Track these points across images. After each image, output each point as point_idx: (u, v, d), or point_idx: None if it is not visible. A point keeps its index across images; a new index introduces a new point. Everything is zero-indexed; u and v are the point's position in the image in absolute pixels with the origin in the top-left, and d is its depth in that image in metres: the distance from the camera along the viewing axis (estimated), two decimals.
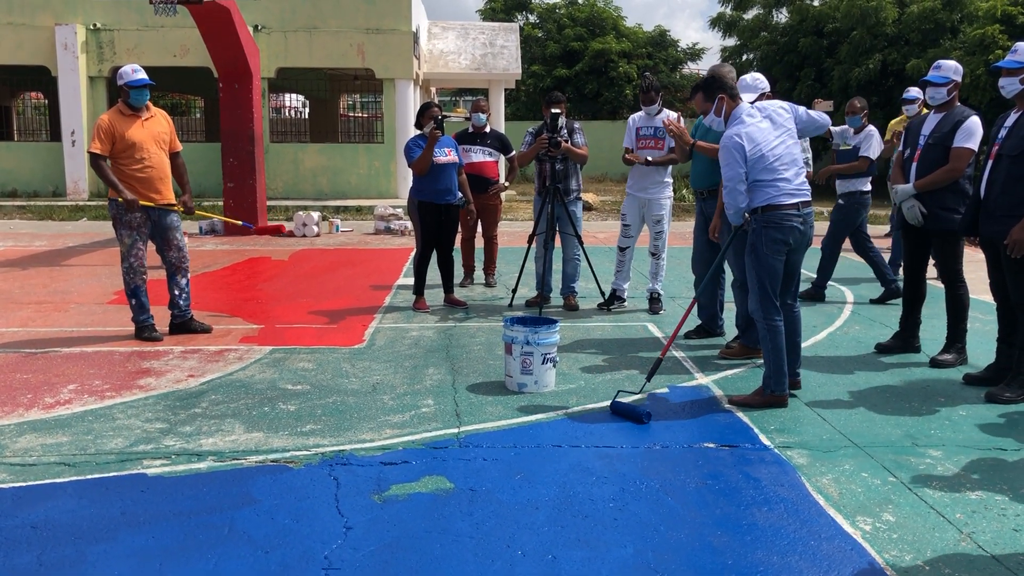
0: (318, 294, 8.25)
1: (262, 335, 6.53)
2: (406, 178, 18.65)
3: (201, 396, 4.97)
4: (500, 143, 8.48)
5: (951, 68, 5.59)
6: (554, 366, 5.14)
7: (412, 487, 3.68)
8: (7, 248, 11.59)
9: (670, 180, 7.34)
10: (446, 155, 7.33)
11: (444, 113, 7.92)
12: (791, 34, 24.57)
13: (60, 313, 7.31)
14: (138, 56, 18.31)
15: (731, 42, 27.49)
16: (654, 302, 7.43)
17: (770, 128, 4.80)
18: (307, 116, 30.03)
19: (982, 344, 5.91)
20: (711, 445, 4.24)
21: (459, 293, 8.10)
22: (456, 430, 4.40)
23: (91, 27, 18.17)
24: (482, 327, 6.82)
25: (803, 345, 5.97)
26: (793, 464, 3.99)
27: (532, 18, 36.36)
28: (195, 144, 21.40)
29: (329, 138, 25.38)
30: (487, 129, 8.45)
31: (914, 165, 5.73)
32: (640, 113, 7.35)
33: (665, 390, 5.17)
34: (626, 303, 7.66)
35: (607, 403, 4.84)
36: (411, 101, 18.97)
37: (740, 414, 4.70)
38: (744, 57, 26.86)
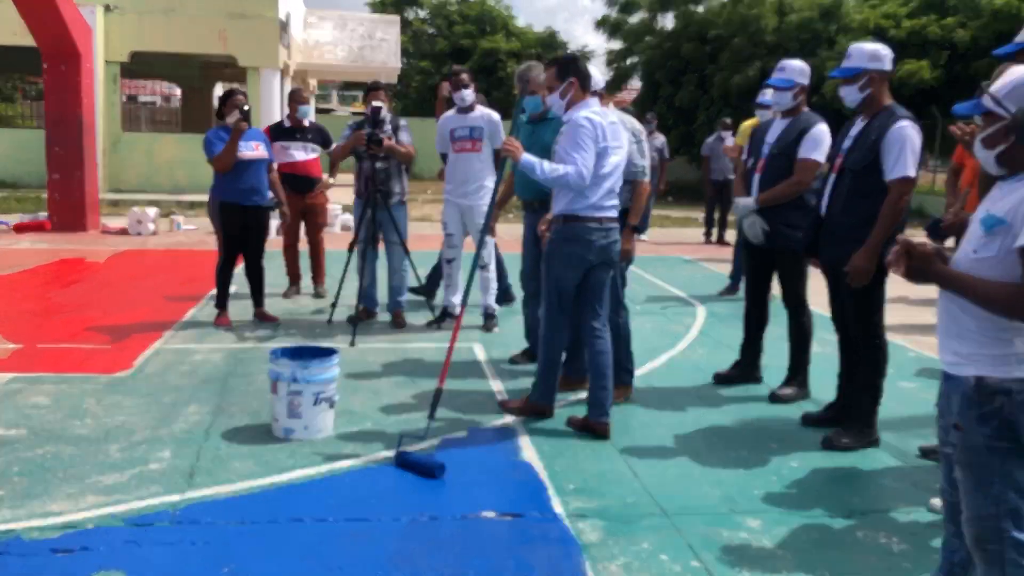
0: (113, 304, 7.19)
1: (12, 358, 5.49)
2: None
3: None
4: (322, 137, 7.61)
5: (796, 70, 5.01)
6: (331, 407, 4.30)
7: None
8: None
9: (491, 185, 6.47)
10: (253, 150, 6.42)
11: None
12: (675, 39, 24.33)
13: None
14: None
15: (617, 45, 27.17)
16: (488, 319, 6.68)
17: (616, 134, 4.35)
18: (179, 105, 28.37)
19: (828, 373, 5.30)
20: (491, 514, 3.47)
21: (281, 306, 7.19)
22: (179, 497, 3.52)
23: None
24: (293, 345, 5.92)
25: (637, 373, 5.33)
26: (581, 542, 3.25)
27: (422, 13, 35.42)
28: (24, 130, 19.77)
29: (201, 128, 23.87)
30: (307, 123, 7.57)
31: (757, 176, 5.13)
32: (450, 112, 6.61)
33: (463, 433, 4.40)
34: None
35: (392, 452, 4.04)
36: (277, 91, 17.82)
37: (539, 467, 3.96)
38: (628, 61, 26.57)
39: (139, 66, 18.98)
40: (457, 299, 6.79)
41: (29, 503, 3.41)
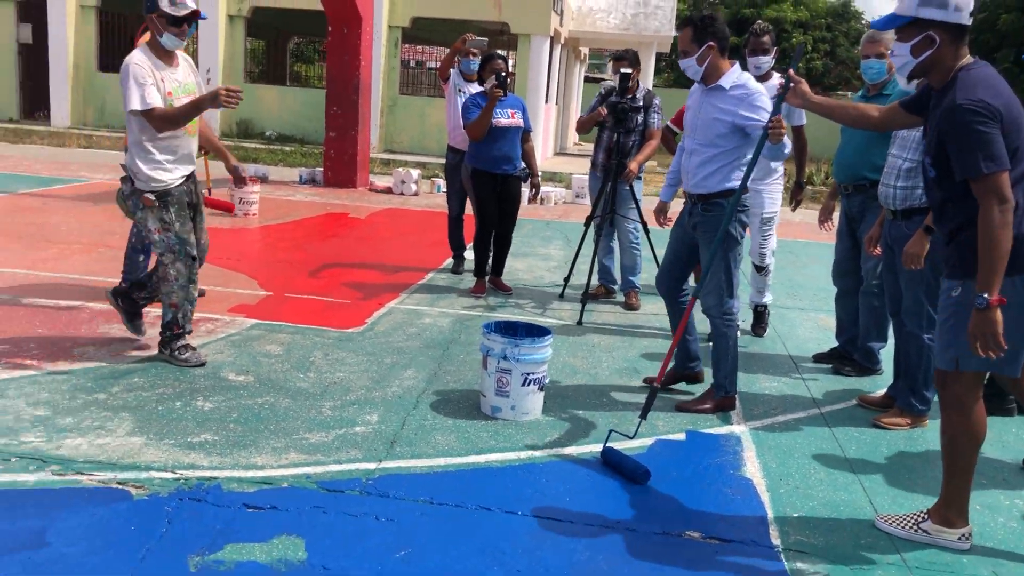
0: (363, 260, 7.44)
1: (260, 305, 5.77)
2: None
3: (122, 377, 4.23)
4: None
5: None
6: (540, 389, 4.07)
7: (250, 551, 2.76)
8: (99, 181, 11.46)
9: (780, 168, 5.71)
10: (509, 117, 6.26)
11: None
12: (992, 8, 21.70)
13: (81, 256, 6.83)
14: None
15: None
16: (759, 319, 5.93)
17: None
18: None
19: None
20: (695, 535, 3.08)
21: (517, 277, 7.09)
22: (374, 465, 3.44)
23: None
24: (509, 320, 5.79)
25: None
26: None
27: None
28: (314, 89, 21.23)
29: None
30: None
31: None
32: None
33: (680, 436, 4.00)
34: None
35: (599, 447, 3.74)
36: (547, 59, 17.88)
37: (761, 486, 3.49)
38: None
39: (420, 31, 19.77)
40: (768, 297, 5.96)
41: (236, 452, 3.47)
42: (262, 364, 4.57)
